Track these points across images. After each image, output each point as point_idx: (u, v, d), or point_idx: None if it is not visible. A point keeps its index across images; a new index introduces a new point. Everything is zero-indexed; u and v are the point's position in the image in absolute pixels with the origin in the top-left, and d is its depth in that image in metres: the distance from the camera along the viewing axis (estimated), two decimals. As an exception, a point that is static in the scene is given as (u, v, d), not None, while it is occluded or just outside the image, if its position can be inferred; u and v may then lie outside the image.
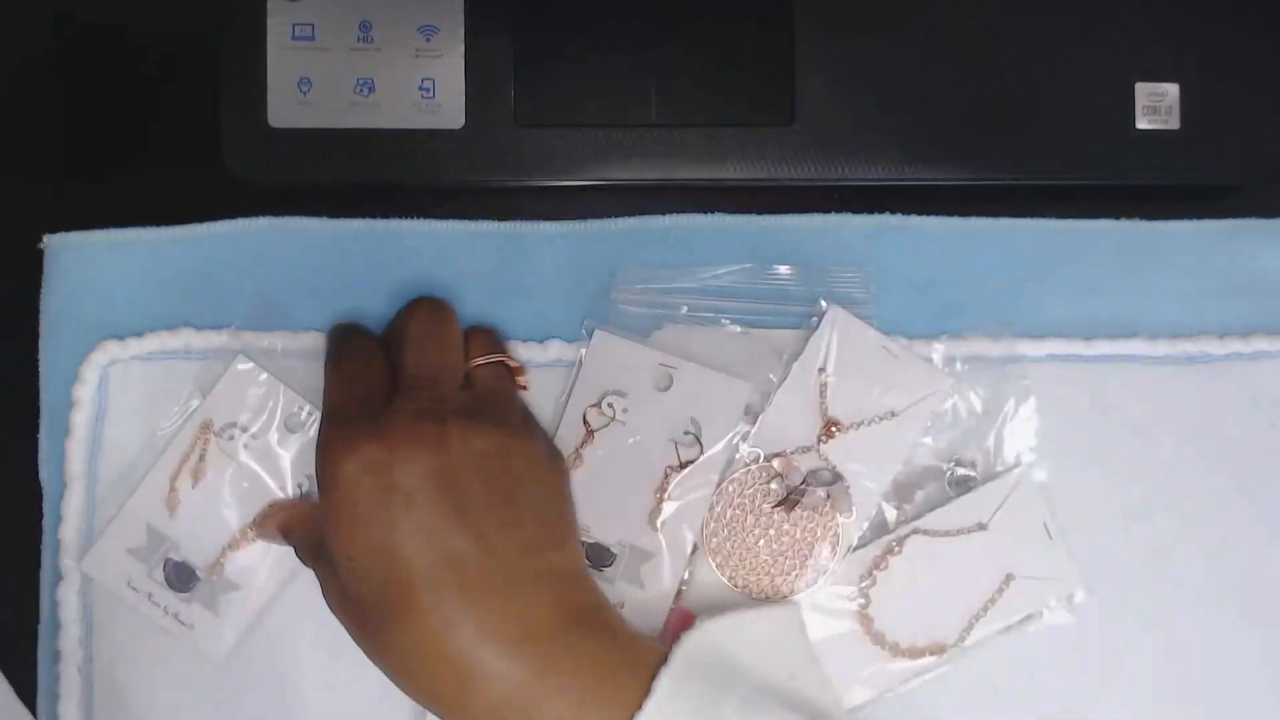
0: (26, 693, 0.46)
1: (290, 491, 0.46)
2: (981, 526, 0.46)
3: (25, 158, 0.49)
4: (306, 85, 0.45)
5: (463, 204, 0.48)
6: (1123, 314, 0.48)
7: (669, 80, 0.46)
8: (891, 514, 0.46)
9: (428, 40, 0.45)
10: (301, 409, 0.46)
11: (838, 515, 0.45)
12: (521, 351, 0.46)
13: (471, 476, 0.39)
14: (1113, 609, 0.46)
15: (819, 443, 0.46)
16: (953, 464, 0.46)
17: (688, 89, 0.46)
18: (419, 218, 0.47)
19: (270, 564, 0.45)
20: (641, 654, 0.39)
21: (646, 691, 0.37)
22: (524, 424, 0.44)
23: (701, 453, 0.45)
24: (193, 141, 0.47)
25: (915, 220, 0.48)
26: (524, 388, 0.46)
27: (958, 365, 0.47)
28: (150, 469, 0.45)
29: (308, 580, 0.43)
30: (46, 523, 0.46)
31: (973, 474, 0.46)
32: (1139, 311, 0.48)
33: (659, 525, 0.45)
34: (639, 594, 0.45)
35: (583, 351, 0.46)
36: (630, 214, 0.47)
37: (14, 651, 0.47)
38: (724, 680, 0.39)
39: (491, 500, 0.39)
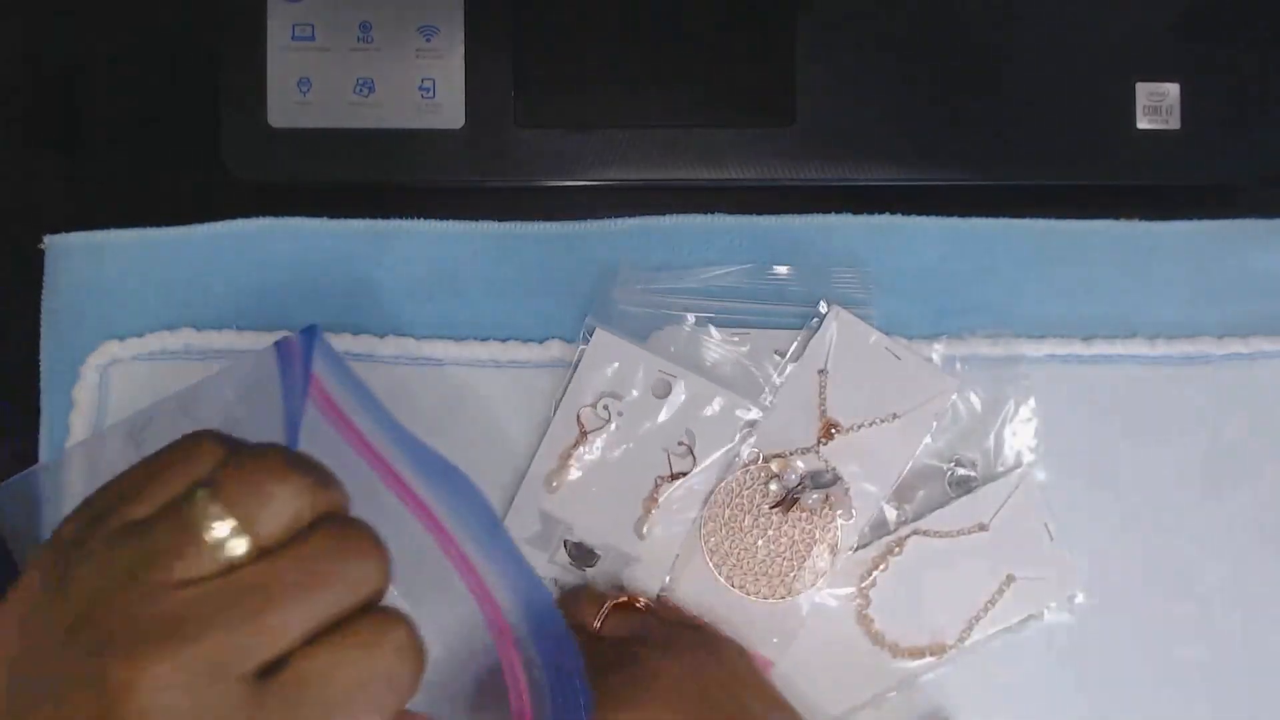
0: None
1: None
2: (982, 527, 0.46)
3: (25, 158, 0.49)
4: (306, 85, 0.45)
5: (463, 204, 0.48)
6: (1122, 314, 0.48)
7: (669, 80, 0.46)
8: (891, 514, 0.46)
9: (428, 40, 0.45)
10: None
11: (836, 517, 0.45)
12: (522, 351, 0.46)
13: None
14: (1112, 609, 0.46)
15: (818, 444, 0.46)
16: (953, 464, 0.46)
17: (688, 89, 0.46)
18: (419, 218, 0.47)
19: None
20: None
21: None
22: None
23: (694, 465, 0.45)
24: (193, 141, 0.47)
25: (915, 220, 0.48)
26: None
27: (958, 365, 0.47)
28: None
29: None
30: (41, 533, 0.46)
31: (973, 474, 0.46)
32: (1139, 311, 0.48)
33: (644, 533, 0.45)
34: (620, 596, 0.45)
35: (581, 350, 0.46)
36: (630, 214, 0.47)
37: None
38: None
39: None
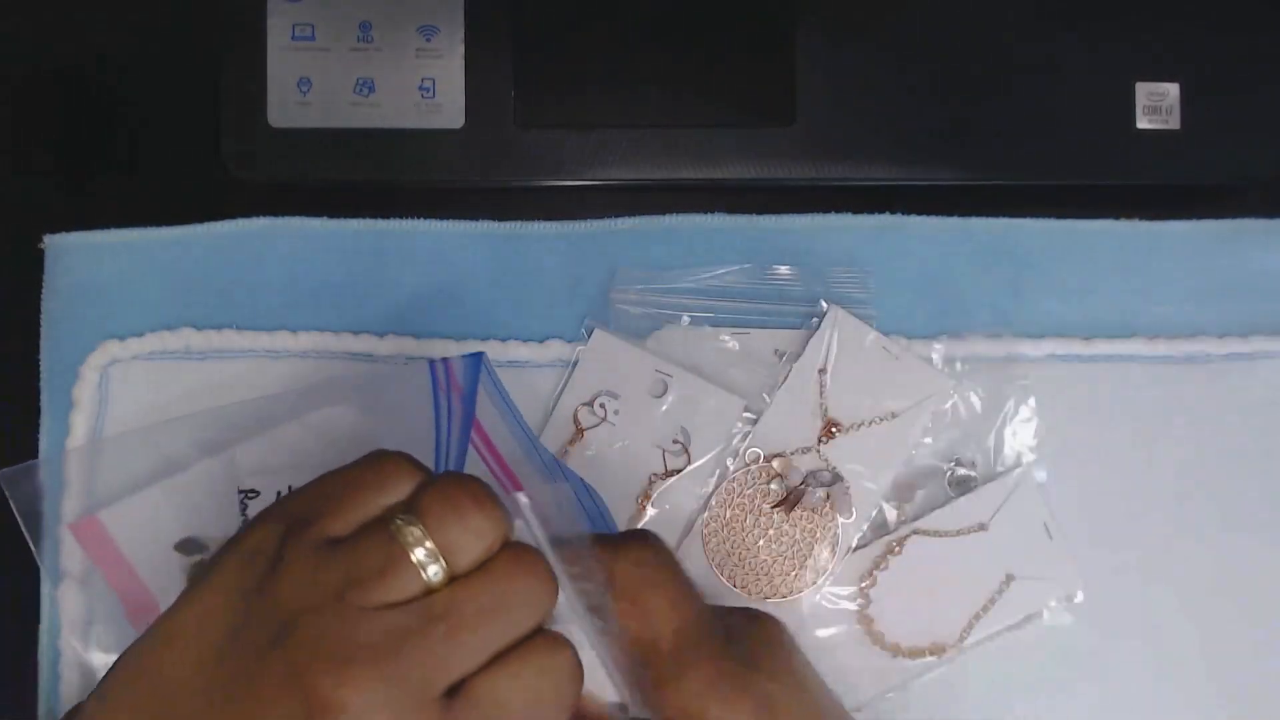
0: (27, 691, 0.46)
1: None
2: (982, 527, 0.46)
3: (25, 158, 0.49)
4: (306, 85, 0.45)
5: (463, 204, 0.48)
6: (1123, 314, 0.48)
7: (669, 80, 0.46)
8: (891, 514, 0.46)
9: (428, 40, 0.45)
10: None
11: (837, 516, 0.45)
12: (521, 351, 0.46)
13: None
14: (1112, 609, 0.46)
15: (819, 443, 0.46)
16: (953, 464, 0.46)
17: (688, 89, 0.46)
18: (419, 218, 0.47)
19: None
20: None
21: None
22: None
23: (689, 463, 0.45)
24: (192, 141, 0.47)
25: (915, 220, 0.48)
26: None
27: (958, 365, 0.47)
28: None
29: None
30: (46, 522, 0.46)
31: (973, 474, 0.46)
32: (1139, 311, 0.48)
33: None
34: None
35: (580, 349, 0.46)
36: (630, 214, 0.47)
37: (14, 652, 0.47)
38: None
39: None
